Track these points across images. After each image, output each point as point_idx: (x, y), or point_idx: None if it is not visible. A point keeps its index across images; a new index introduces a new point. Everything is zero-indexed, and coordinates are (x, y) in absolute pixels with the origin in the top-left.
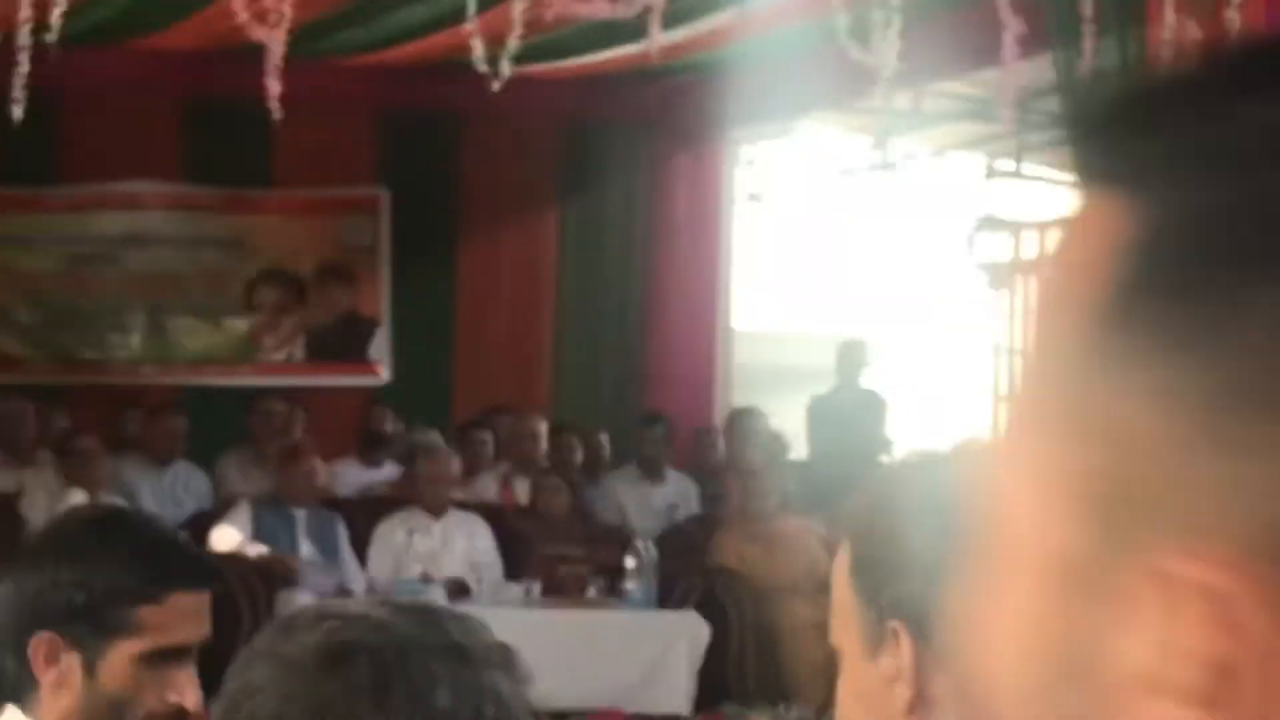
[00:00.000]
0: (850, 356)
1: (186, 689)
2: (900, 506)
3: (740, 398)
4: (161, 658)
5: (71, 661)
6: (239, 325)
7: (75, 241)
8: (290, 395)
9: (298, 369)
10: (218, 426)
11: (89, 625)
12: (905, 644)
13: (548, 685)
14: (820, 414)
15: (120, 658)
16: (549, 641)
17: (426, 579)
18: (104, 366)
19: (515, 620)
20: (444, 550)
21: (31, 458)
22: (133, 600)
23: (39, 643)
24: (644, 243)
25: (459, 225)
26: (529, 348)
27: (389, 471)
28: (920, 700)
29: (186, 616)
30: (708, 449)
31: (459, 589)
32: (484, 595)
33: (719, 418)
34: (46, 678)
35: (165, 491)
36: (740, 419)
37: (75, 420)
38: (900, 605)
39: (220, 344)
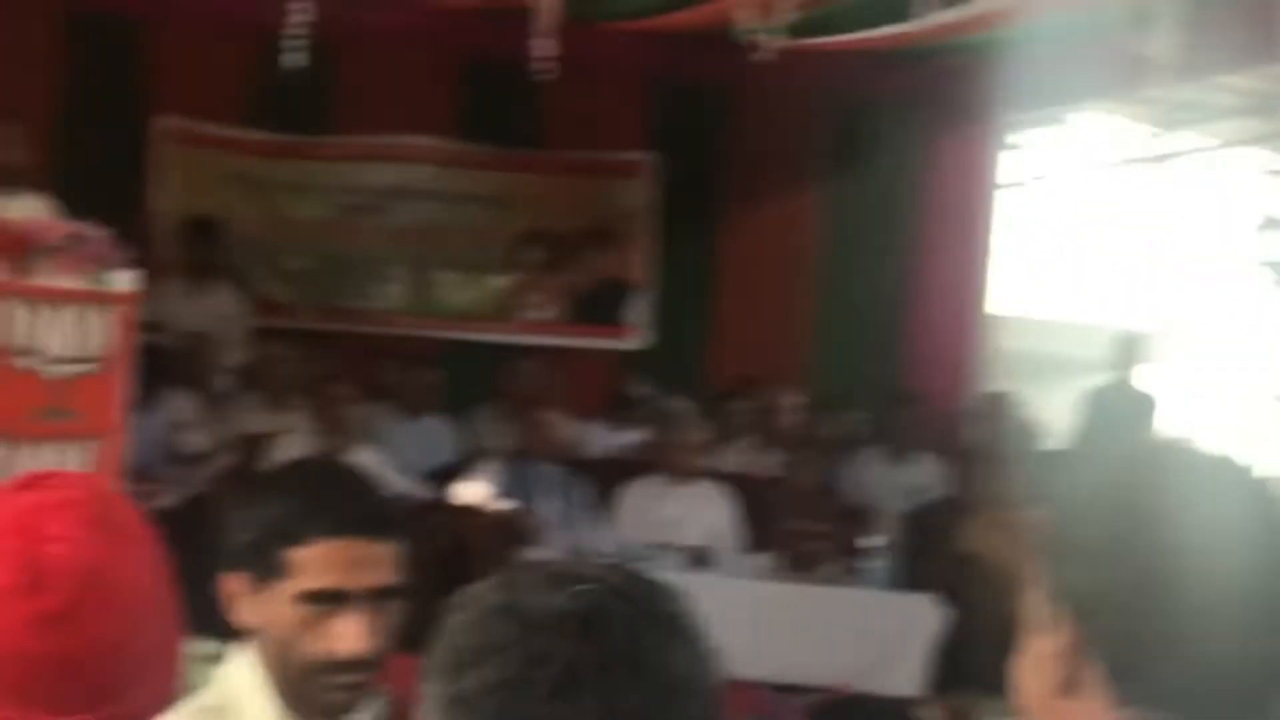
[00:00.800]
0: (1125, 350)
1: (345, 635)
2: (1092, 494)
3: (998, 383)
4: (315, 600)
5: (255, 600)
6: (500, 282)
7: (346, 191)
8: (545, 354)
9: (555, 329)
10: (472, 381)
11: (258, 566)
12: (1068, 626)
13: (781, 658)
14: (1090, 406)
15: (279, 599)
16: (784, 616)
17: (666, 545)
18: (365, 315)
19: (752, 592)
20: (687, 518)
21: (289, 401)
22: (283, 543)
23: (225, 580)
24: (908, 222)
25: (724, 196)
26: (787, 321)
27: (637, 436)
28: (1073, 683)
29: (339, 562)
30: (959, 431)
31: (699, 557)
32: (723, 565)
33: (974, 401)
34: (237, 616)
35: (416, 442)
36: (994, 404)
37: (333, 367)
38: (1069, 589)
39: (480, 300)
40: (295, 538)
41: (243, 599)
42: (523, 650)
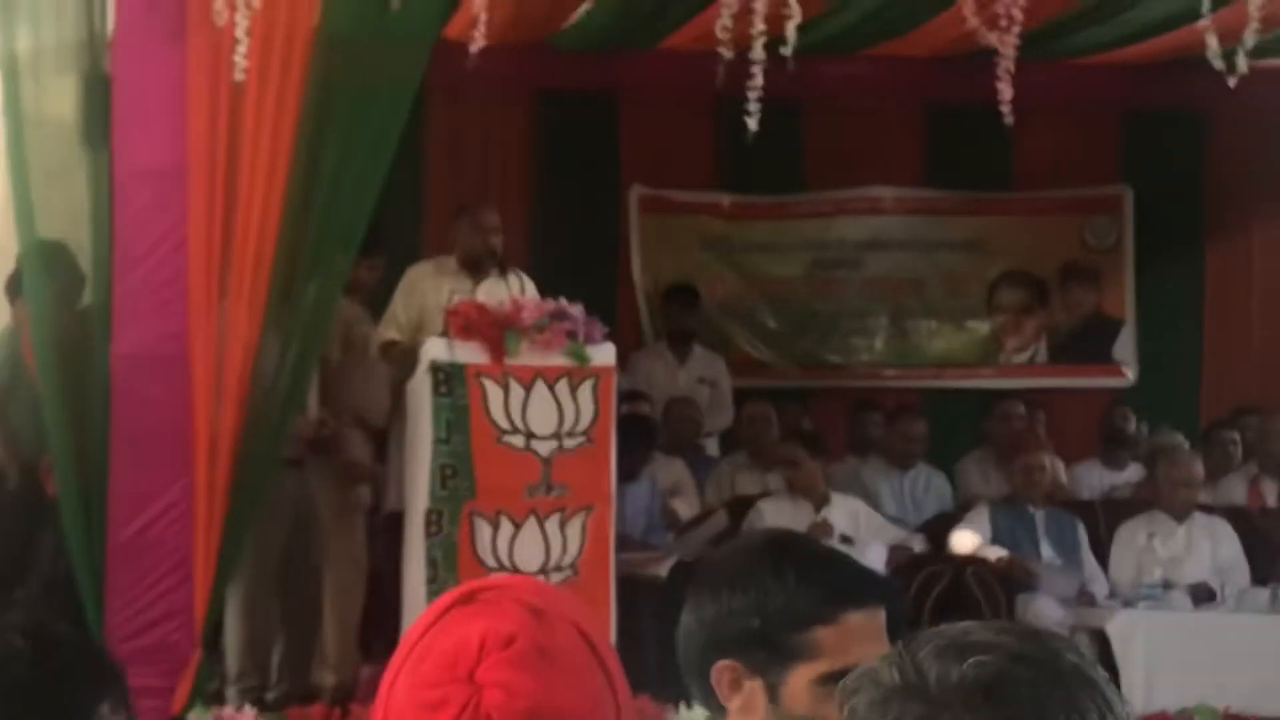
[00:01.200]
0: None
1: None
2: None
3: None
4: (839, 679)
5: (755, 687)
6: (980, 327)
7: (818, 247)
8: (1030, 397)
9: (1039, 370)
10: (957, 429)
11: (767, 651)
12: None
13: None
14: None
15: (800, 681)
16: None
17: (1168, 584)
18: (845, 369)
19: (1262, 626)
20: (1187, 555)
21: (775, 461)
22: (808, 623)
23: (721, 670)
24: None
25: (1204, 222)
26: (1279, 345)
27: (1131, 473)
28: None
29: (863, 636)
30: None
31: (1204, 594)
32: (1229, 600)
33: None
34: (732, 704)
35: (905, 493)
36: None
37: (818, 423)
38: None
39: (961, 346)
40: (822, 617)
41: (737, 685)
42: None
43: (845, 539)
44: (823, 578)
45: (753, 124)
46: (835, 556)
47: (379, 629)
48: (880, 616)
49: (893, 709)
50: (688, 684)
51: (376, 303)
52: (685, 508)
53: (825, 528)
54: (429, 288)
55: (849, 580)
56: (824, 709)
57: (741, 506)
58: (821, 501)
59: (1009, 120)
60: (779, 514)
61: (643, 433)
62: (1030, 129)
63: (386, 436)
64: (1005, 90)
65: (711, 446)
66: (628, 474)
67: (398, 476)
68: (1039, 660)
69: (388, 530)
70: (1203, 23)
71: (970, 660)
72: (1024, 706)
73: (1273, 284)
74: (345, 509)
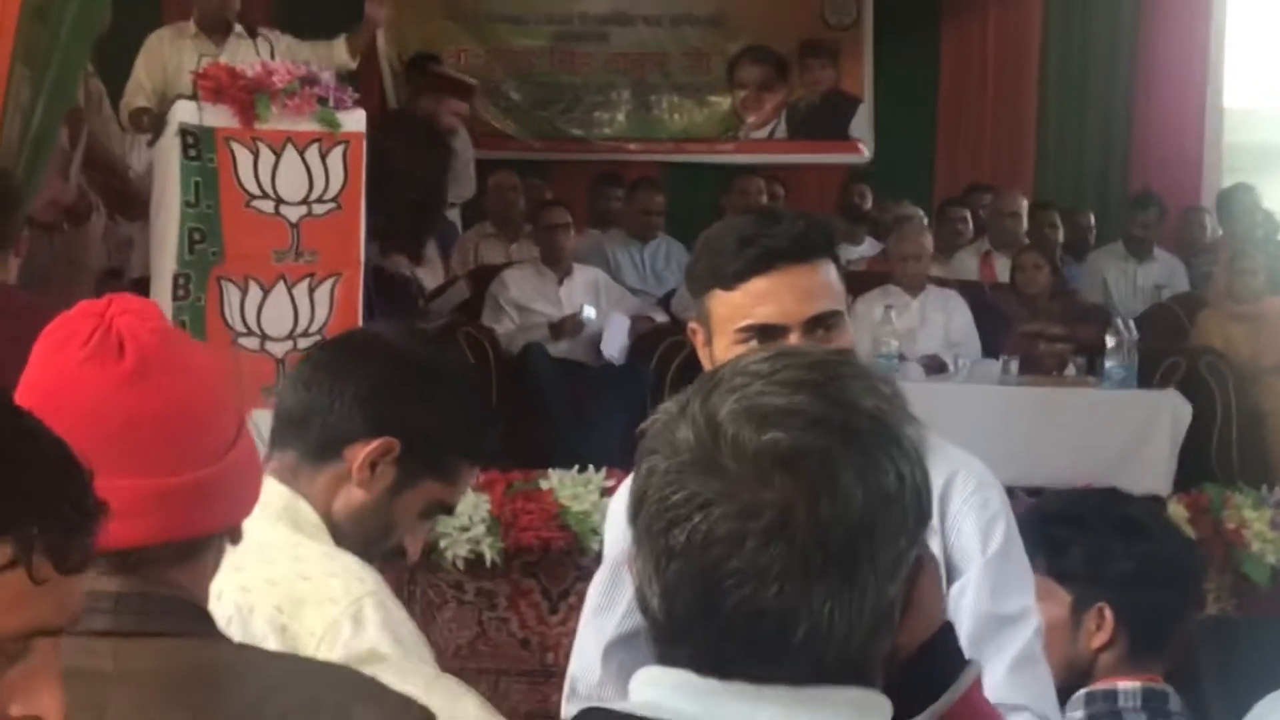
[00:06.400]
0: None
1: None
2: None
3: (1230, 177)
4: (437, 510)
5: (389, 472)
6: (721, 102)
7: (562, 20)
8: (769, 172)
9: (779, 146)
10: (698, 203)
11: (425, 456)
12: None
13: (1025, 462)
14: None
15: (420, 495)
16: (1026, 419)
17: (903, 356)
18: (587, 143)
19: (993, 397)
20: (921, 327)
21: (520, 231)
22: (463, 454)
23: (385, 444)
24: (1131, 19)
25: (942, 2)
26: (1012, 125)
27: (867, 248)
28: None
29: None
30: (1196, 228)
31: (936, 365)
32: (961, 372)
33: (1206, 196)
34: (358, 469)
35: (646, 265)
36: (1231, 196)
37: (559, 196)
38: None
39: (702, 121)
40: (473, 453)
41: (374, 464)
42: (729, 504)
43: (582, 309)
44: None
45: None
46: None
47: None
48: None
49: (689, 482)
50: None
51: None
52: (431, 277)
53: (576, 324)
54: (169, 52)
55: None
56: (411, 529)
57: (485, 275)
58: (565, 273)
59: None
60: (523, 283)
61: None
62: None
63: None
64: None
65: (455, 216)
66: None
67: (143, 241)
68: (835, 424)
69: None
70: None
71: (767, 433)
72: (818, 477)
73: (1006, 64)
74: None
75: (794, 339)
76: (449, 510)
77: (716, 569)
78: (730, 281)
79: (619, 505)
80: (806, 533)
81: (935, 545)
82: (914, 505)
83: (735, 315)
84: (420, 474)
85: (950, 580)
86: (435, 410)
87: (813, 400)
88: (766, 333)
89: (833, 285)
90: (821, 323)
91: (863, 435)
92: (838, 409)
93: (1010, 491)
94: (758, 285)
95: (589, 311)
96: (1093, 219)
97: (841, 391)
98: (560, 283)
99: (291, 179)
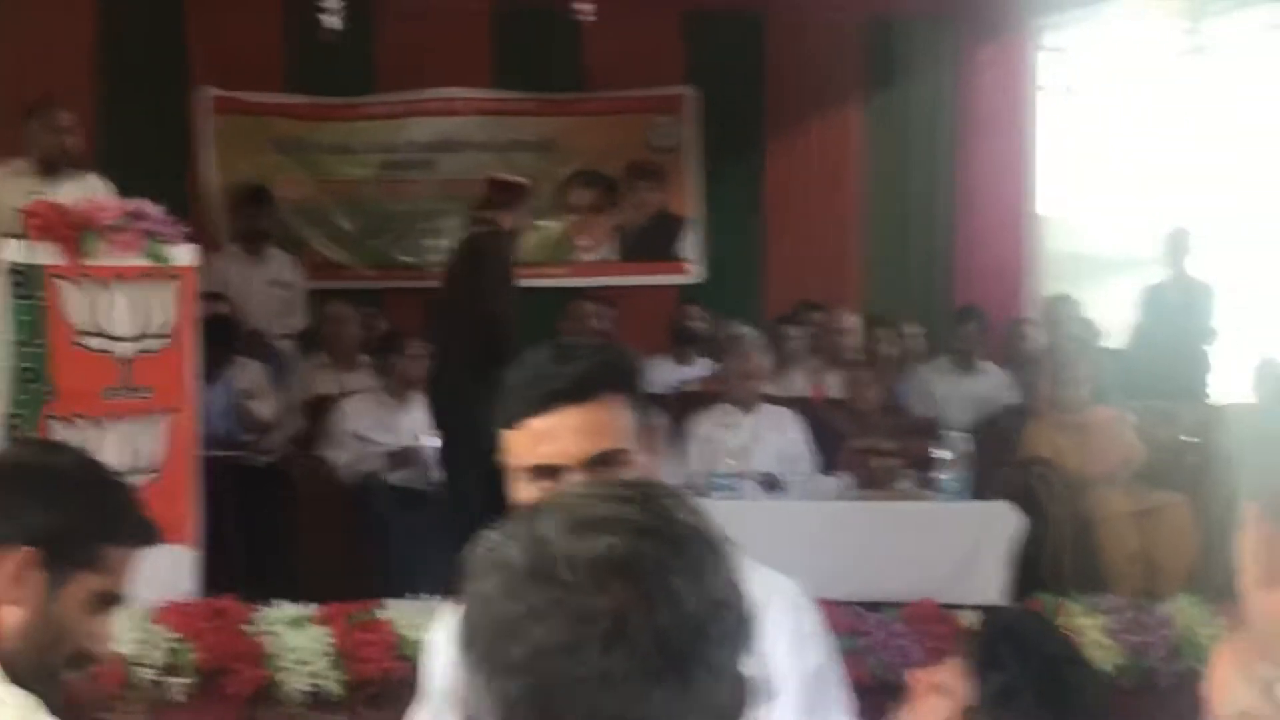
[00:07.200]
0: (1176, 245)
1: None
2: (1273, 395)
3: (1050, 286)
4: (106, 602)
5: (38, 581)
6: (553, 227)
7: (390, 149)
8: (603, 295)
9: (611, 269)
10: (534, 327)
11: (66, 553)
12: (1254, 525)
13: (861, 577)
14: (1149, 304)
15: (78, 592)
16: (861, 534)
17: (739, 474)
18: (420, 270)
19: (829, 513)
20: (755, 445)
21: (354, 361)
22: (105, 539)
23: (22, 556)
24: (950, 135)
25: (766, 122)
26: (838, 242)
27: (700, 368)
28: (1271, 576)
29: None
30: (1020, 339)
31: (771, 483)
32: (796, 489)
33: (1030, 307)
34: (3, 588)
35: None
36: (1053, 307)
37: (394, 324)
38: (1257, 489)
39: (535, 246)
40: (116, 538)
41: (21, 577)
42: (567, 612)
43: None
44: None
45: (333, 22)
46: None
47: None
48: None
49: (525, 594)
50: None
51: None
52: (264, 408)
53: (415, 453)
54: (2, 191)
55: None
56: (86, 626)
57: (320, 407)
58: (405, 402)
59: (584, 19)
60: (362, 413)
61: (222, 334)
62: (598, 30)
63: None
64: None
65: (289, 347)
66: (207, 376)
67: None
68: (661, 531)
69: None
70: None
71: (598, 539)
72: (651, 581)
73: (829, 181)
74: None
75: (577, 479)
76: (117, 600)
77: (558, 679)
78: (514, 422)
79: (438, 638)
80: (644, 637)
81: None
82: (741, 611)
83: (521, 455)
84: (69, 572)
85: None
86: (55, 507)
87: (638, 511)
88: (548, 473)
89: (617, 423)
90: (604, 461)
91: (690, 543)
92: (661, 520)
93: (848, 606)
94: (537, 425)
95: (430, 440)
96: (921, 333)
97: (661, 505)
98: (400, 412)
99: (121, 315)
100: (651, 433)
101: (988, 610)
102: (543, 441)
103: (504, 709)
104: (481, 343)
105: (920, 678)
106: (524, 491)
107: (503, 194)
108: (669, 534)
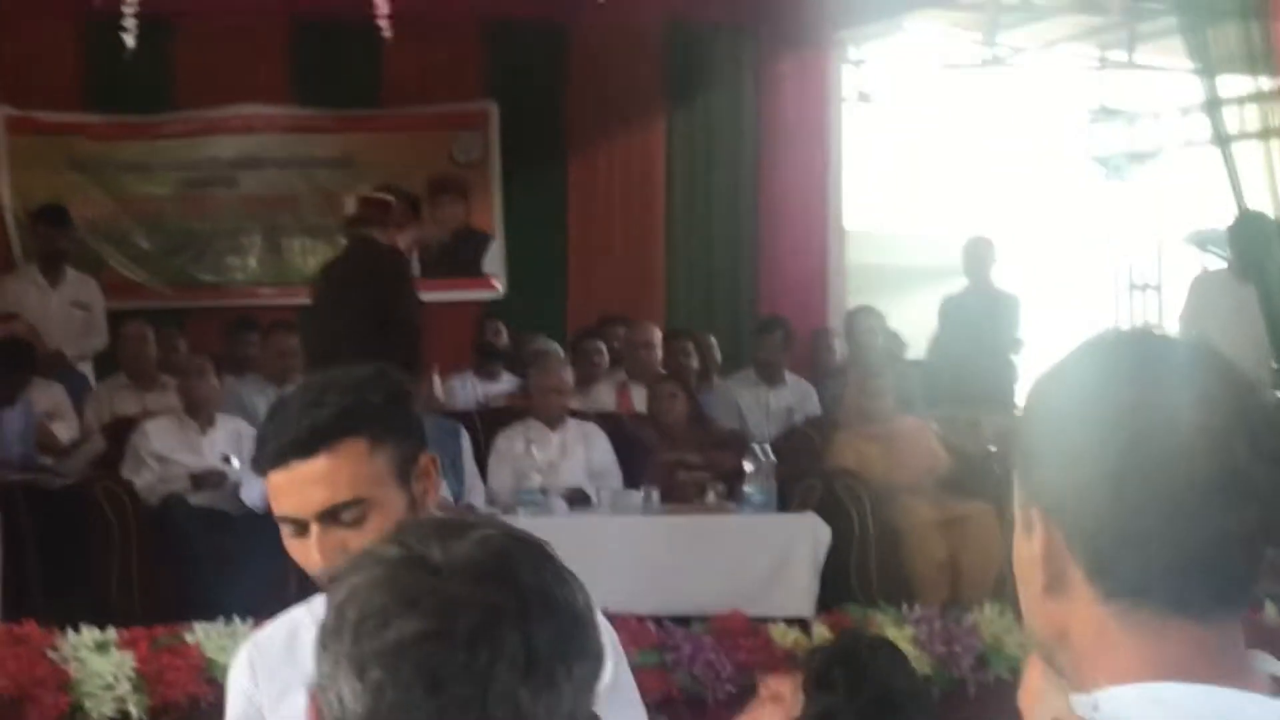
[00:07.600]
0: (978, 255)
1: None
2: (1055, 396)
3: (854, 298)
4: None
5: None
6: None
7: (189, 166)
8: None
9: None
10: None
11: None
12: (1040, 530)
13: (669, 591)
14: (951, 314)
15: None
16: (670, 548)
17: (545, 490)
18: (221, 289)
19: (636, 527)
20: (563, 460)
21: (154, 381)
22: None
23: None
24: (753, 146)
25: (568, 136)
26: (641, 256)
27: (505, 384)
28: (1058, 582)
29: None
30: (825, 350)
31: (579, 498)
32: (604, 504)
33: (833, 319)
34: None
35: None
36: (857, 318)
37: (195, 343)
38: (1041, 493)
39: None
40: None
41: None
42: (439, 600)
43: (226, 459)
44: None
45: (130, 40)
46: None
47: None
48: None
49: (400, 581)
50: None
51: None
52: (65, 430)
53: (218, 475)
54: None
55: None
56: None
57: (121, 428)
58: (207, 423)
59: (384, 34)
60: (164, 434)
61: (18, 356)
62: (398, 45)
63: None
64: (383, 5)
65: (89, 368)
66: (3, 399)
67: None
68: (528, 540)
69: None
70: None
71: (473, 537)
72: (526, 577)
73: (632, 194)
74: None
75: (314, 531)
76: None
77: (425, 668)
78: (262, 474)
79: (252, 656)
80: (515, 633)
81: None
82: (595, 627)
83: (274, 506)
84: None
85: None
86: None
87: (498, 524)
88: (292, 525)
89: (354, 471)
90: (336, 514)
91: (552, 558)
92: (519, 535)
93: (657, 621)
94: (276, 480)
95: (234, 461)
96: (717, 345)
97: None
98: (203, 433)
99: None
100: (420, 465)
101: (843, 632)
102: (280, 495)
103: (370, 699)
104: (389, 350)
105: (768, 684)
106: (287, 541)
107: (380, 212)
108: (535, 543)
